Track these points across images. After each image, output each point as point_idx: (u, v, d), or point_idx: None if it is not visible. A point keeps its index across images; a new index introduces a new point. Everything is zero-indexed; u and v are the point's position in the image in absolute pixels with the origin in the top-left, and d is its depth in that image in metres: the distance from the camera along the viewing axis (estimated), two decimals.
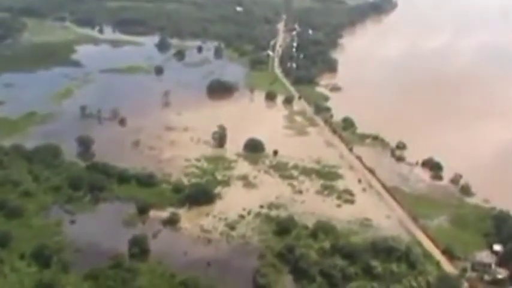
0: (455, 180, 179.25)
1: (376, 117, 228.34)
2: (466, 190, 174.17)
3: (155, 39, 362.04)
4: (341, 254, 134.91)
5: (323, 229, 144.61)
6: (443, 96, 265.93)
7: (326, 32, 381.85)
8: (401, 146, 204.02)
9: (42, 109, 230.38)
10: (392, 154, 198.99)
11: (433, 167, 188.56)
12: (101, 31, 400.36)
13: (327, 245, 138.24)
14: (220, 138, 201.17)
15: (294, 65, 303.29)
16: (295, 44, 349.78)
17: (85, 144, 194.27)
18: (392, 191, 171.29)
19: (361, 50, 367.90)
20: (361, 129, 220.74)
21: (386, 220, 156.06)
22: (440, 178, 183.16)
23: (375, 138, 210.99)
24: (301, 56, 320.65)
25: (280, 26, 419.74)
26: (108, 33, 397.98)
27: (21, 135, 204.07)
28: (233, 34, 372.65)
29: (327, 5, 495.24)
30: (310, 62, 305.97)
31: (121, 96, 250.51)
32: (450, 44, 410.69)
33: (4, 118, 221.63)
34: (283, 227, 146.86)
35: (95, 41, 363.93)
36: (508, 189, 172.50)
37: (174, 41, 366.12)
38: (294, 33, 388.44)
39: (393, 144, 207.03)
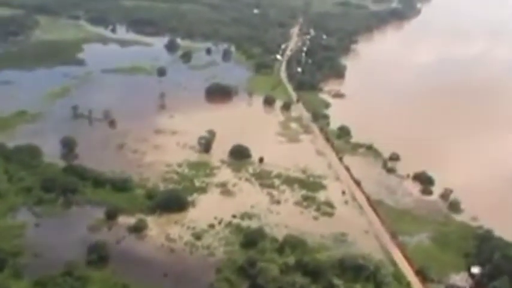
0: (444, 195, 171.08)
1: (374, 127, 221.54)
2: (454, 206, 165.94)
3: (165, 40, 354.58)
4: (305, 270, 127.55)
5: (291, 243, 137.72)
6: (456, 109, 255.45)
7: (340, 37, 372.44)
8: (394, 158, 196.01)
9: (33, 108, 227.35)
10: (384, 165, 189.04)
11: (424, 180, 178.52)
12: (113, 30, 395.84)
13: (291, 260, 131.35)
14: (206, 144, 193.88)
15: (300, 70, 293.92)
16: (304, 49, 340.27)
17: (68, 146, 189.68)
18: (375, 205, 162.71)
19: (375, 57, 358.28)
20: (357, 138, 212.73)
21: (363, 236, 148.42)
22: (429, 193, 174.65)
23: (369, 148, 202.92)
24: (309, 61, 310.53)
25: (295, 30, 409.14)
26: (121, 32, 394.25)
27: (7, 134, 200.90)
28: (244, 37, 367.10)
29: (346, 9, 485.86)
30: (317, 67, 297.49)
31: (117, 97, 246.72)
32: (473, 53, 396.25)
33: None
34: (250, 239, 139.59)
35: (104, 40, 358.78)
36: (499, 207, 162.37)
37: (185, 43, 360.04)
38: (307, 37, 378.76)
39: (387, 155, 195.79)
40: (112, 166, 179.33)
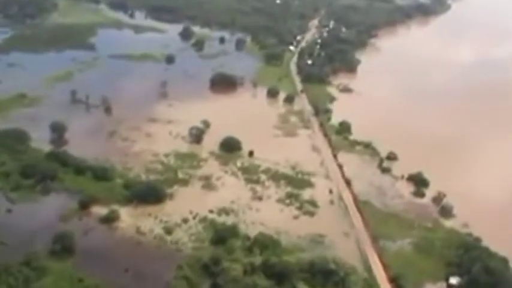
0: (437, 199, 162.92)
1: (378, 125, 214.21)
2: (445, 211, 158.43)
3: (181, 27, 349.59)
4: (270, 272, 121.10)
5: (262, 243, 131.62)
6: (474, 112, 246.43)
7: (359, 31, 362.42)
8: (391, 157, 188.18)
9: (33, 91, 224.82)
10: (380, 165, 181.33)
11: (418, 182, 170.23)
12: (132, 16, 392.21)
13: (258, 260, 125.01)
14: (197, 134, 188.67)
15: (310, 62, 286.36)
16: (319, 41, 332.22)
17: (58, 131, 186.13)
18: (361, 206, 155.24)
19: (394, 52, 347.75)
20: (357, 135, 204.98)
21: (343, 238, 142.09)
22: (422, 195, 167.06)
23: (367, 146, 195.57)
24: (322, 53, 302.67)
25: (315, 22, 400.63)
26: (140, 18, 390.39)
27: (1, 117, 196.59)
28: (261, 27, 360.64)
29: (371, 3, 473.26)
30: (328, 60, 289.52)
31: (120, 83, 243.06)
32: (500, 54, 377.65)
33: None
34: (221, 236, 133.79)
35: (119, 26, 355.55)
36: (493, 215, 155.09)
37: (201, 31, 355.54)
38: (325, 29, 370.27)
39: (386, 154, 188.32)
40: (98, 154, 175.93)
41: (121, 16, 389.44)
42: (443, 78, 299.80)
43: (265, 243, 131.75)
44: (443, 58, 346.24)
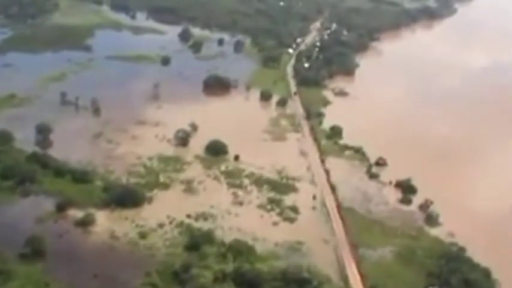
0: (423, 206, 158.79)
1: (371, 129, 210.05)
2: (431, 219, 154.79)
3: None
4: (241, 280, 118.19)
5: (237, 249, 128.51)
6: (479, 120, 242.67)
7: (360, 34, 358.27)
8: (381, 163, 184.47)
9: (24, 92, 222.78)
10: (368, 170, 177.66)
11: (406, 189, 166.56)
12: (133, 17, 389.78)
13: (229, 268, 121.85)
14: (183, 137, 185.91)
15: (307, 65, 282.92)
16: (318, 43, 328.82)
17: (43, 133, 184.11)
18: (344, 213, 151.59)
19: (395, 56, 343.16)
20: (348, 139, 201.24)
21: (321, 246, 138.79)
22: (408, 202, 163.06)
23: (357, 151, 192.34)
24: (320, 56, 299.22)
25: (317, 24, 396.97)
26: (141, 19, 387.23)
27: None
28: (261, 29, 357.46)
29: (377, 6, 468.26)
30: (326, 63, 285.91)
31: (112, 85, 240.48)
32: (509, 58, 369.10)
33: None
34: (196, 242, 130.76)
35: (118, 27, 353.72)
36: (481, 225, 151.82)
37: (201, 32, 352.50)
38: (327, 32, 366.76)
39: (375, 159, 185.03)
40: (82, 156, 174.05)
41: (122, 17, 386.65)
42: (447, 82, 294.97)
43: (239, 250, 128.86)
44: (448, 61, 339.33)
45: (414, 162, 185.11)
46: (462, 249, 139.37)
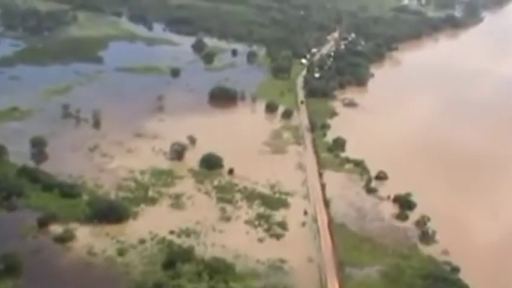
0: (419, 223, 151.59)
1: (376, 141, 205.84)
2: (426, 237, 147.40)
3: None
4: None
5: (215, 267, 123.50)
6: (498, 132, 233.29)
7: (378, 43, 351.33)
8: (381, 177, 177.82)
9: (27, 105, 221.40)
10: (366, 185, 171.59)
11: (403, 204, 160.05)
12: (150, 28, 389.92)
13: (202, 287, 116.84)
14: (178, 151, 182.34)
15: (317, 75, 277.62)
16: (332, 54, 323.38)
17: (38, 146, 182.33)
18: (336, 229, 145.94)
19: (413, 66, 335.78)
20: (351, 152, 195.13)
21: (305, 264, 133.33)
22: (405, 218, 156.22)
23: (357, 164, 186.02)
24: (333, 66, 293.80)
25: (335, 35, 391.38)
26: (158, 31, 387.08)
27: None
28: (277, 39, 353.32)
29: (398, 15, 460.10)
30: (338, 74, 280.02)
31: (117, 97, 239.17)
32: None
33: None
34: (173, 260, 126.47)
35: (133, 39, 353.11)
36: (478, 243, 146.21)
37: (215, 43, 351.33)
38: (344, 42, 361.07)
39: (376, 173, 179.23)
40: (73, 169, 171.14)
41: (139, 29, 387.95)
42: (469, 93, 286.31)
43: (217, 268, 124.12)
44: (472, 71, 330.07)
45: (418, 176, 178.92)
46: (455, 270, 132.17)
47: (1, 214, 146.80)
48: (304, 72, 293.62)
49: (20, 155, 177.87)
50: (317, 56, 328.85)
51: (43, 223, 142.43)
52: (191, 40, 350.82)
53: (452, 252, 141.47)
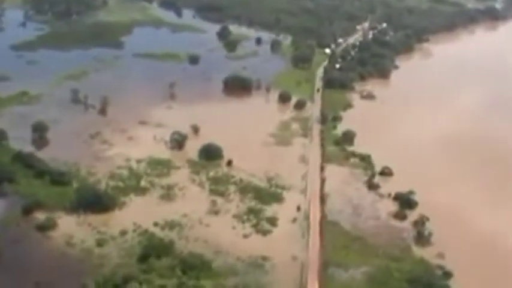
0: (417, 223, 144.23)
1: (388, 135, 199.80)
2: (422, 238, 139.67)
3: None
4: None
5: (189, 263, 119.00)
6: None
7: (407, 34, 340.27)
8: (386, 172, 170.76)
9: (37, 89, 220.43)
10: (369, 180, 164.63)
11: (404, 202, 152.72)
12: (179, 15, 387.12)
13: (171, 283, 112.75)
14: (178, 140, 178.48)
15: (338, 66, 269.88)
16: (357, 44, 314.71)
17: (39, 131, 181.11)
18: (328, 226, 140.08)
19: (443, 58, 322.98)
20: (359, 146, 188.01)
21: (288, 263, 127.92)
22: (403, 218, 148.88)
23: (363, 158, 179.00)
24: (356, 57, 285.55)
25: (365, 24, 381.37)
26: (188, 17, 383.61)
27: None
28: (304, 28, 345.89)
29: (435, 6, 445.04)
30: (360, 65, 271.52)
31: (130, 83, 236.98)
32: None
33: None
34: (149, 253, 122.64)
35: (158, 25, 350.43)
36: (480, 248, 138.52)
37: (246, 31, 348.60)
38: (372, 32, 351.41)
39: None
40: (70, 156, 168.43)
41: (167, 15, 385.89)
42: (504, 91, 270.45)
43: (192, 263, 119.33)
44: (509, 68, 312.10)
45: (428, 175, 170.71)
46: (447, 275, 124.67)
47: None
48: (325, 62, 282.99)
49: (20, 140, 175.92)
50: (342, 46, 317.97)
51: (28, 211, 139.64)
52: (218, 27, 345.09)
53: (449, 256, 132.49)
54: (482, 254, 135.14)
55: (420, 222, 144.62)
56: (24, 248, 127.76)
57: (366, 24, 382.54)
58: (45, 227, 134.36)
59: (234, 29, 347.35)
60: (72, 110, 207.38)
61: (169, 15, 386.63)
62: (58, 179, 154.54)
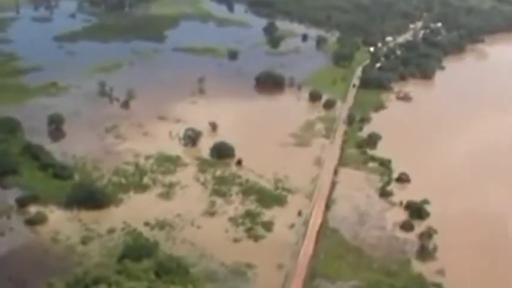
0: (423, 235, 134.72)
1: (416, 139, 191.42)
2: (425, 252, 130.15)
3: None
4: None
5: (165, 267, 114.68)
6: None
7: (460, 34, 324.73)
8: (403, 179, 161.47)
9: (67, 81, 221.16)
10: (383, 187, 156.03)
11: (414, 212, 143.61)
12: (231, 9, 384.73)
13: (142, 286, 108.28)
14: (192, 137, 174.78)
15: (378, 65, 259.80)
16: (404, 43, 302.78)
17: (55, 123, 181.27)
18: (326, 234, 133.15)
19: (496, 60, 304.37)
20: (383, 150, 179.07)
21: (273, 272, 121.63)
22: (409, 229, 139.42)
23: (382, 163, 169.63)
24: (400, 56, 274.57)
25: (419, 23, 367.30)
26: (239, 12, 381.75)
27: (18, 105, 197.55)
28: (354, 25, 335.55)
29: (499, 5, 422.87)
30: (402, 64, 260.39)
31: (162, 77, 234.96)
32: None
33: (21, 86, 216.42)
34: (129, 254, 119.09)
35: (206, 19, 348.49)
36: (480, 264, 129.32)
37: (290, 26, 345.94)
38: (424, 31, 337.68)
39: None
40: (80, 149, 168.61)
41: (219, 9, 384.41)
42: None
43: (169, 267, 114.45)
44: None
45: (447, 184, 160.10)
46: None
47: None
48: (367, 61, 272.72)
49: (36, 131, 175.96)
50: (390, 45, 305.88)
51: (23, 204, 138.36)
52: (263, 22, 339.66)
53: (450, 273, 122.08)
54: (486, 276, 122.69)
55: (426, 235, 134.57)
56: (7, 242, 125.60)
57: (420, 23, 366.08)
58: (34, 221, 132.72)
59: (284, 25, 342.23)
60: (96, 102, 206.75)
61: (220, 9, 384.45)
62: (60, 172, 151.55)
